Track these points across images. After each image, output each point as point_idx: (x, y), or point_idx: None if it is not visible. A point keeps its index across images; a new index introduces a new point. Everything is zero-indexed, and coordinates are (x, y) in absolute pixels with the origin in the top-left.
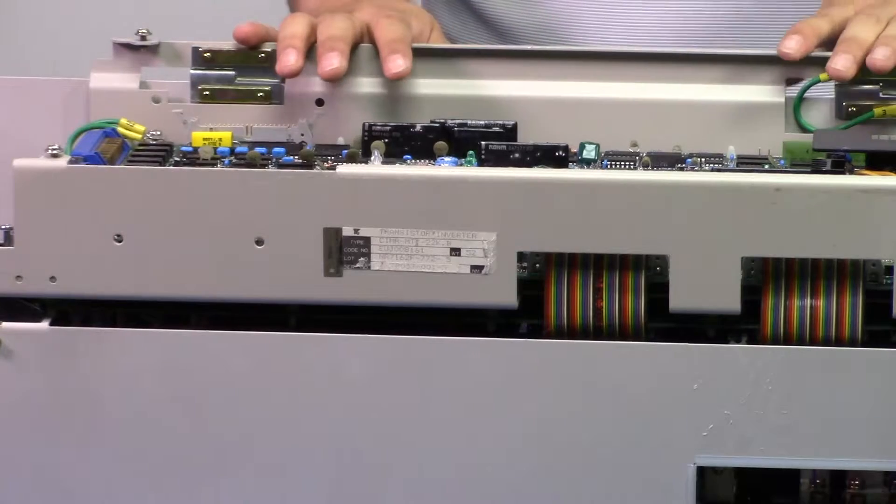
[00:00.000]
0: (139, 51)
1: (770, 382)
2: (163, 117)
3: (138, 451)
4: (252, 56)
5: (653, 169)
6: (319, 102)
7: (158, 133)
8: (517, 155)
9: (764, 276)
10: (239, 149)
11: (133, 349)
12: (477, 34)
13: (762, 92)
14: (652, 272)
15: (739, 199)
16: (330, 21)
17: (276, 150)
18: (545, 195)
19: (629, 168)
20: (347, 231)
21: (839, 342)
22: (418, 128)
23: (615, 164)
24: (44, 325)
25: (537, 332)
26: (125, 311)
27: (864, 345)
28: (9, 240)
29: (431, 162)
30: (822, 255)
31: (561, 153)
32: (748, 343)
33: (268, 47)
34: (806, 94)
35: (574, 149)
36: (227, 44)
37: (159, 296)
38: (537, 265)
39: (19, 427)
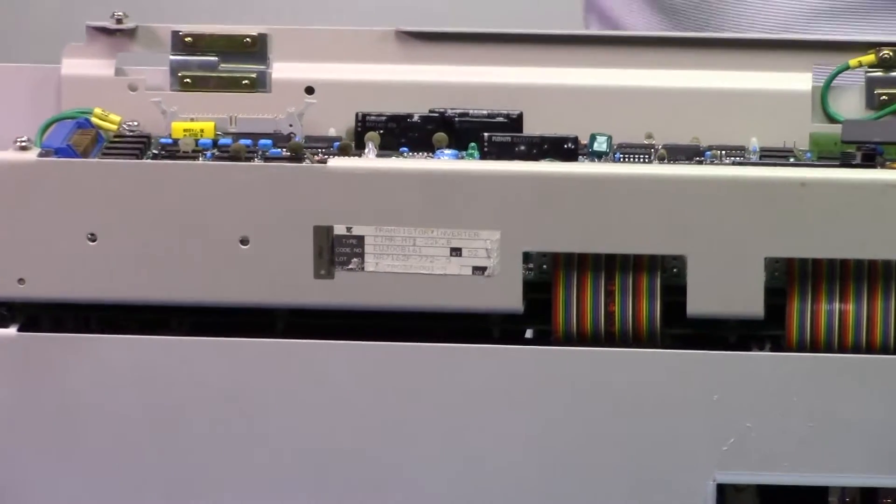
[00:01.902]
0: (114, 35)
1: (796, 393)
2: (140, 107)
3: (114, 466)
4: (237, 40)
5: (669, 162)
6: (309, 90)
7: (135, 124)
8: (523, 147)
9: (789, 277)
10: (222, 141)
11: (108, 357)
12: (639, 10)
13: (787, 79)
14: (668, 274)
15: (762, 194)
16: None
17: (263, 142)
18: (553, 191)
19: (643, 161)
20: (339, 229)
21: (870, 349)
22: (416, 118)
23: (628, 158)
24: (11, 330)
25: (544, 338)
26: (100, 316)
27: None
28: None
29: (430, 155)
30: (852, 255)
31: (570, 145)
32: (772, 350)
33: (253, 31)
34: (834, 82)
35: (584, 140)
36: (210, 27)
37: (136, 299)
38: (544, 266)
39: None
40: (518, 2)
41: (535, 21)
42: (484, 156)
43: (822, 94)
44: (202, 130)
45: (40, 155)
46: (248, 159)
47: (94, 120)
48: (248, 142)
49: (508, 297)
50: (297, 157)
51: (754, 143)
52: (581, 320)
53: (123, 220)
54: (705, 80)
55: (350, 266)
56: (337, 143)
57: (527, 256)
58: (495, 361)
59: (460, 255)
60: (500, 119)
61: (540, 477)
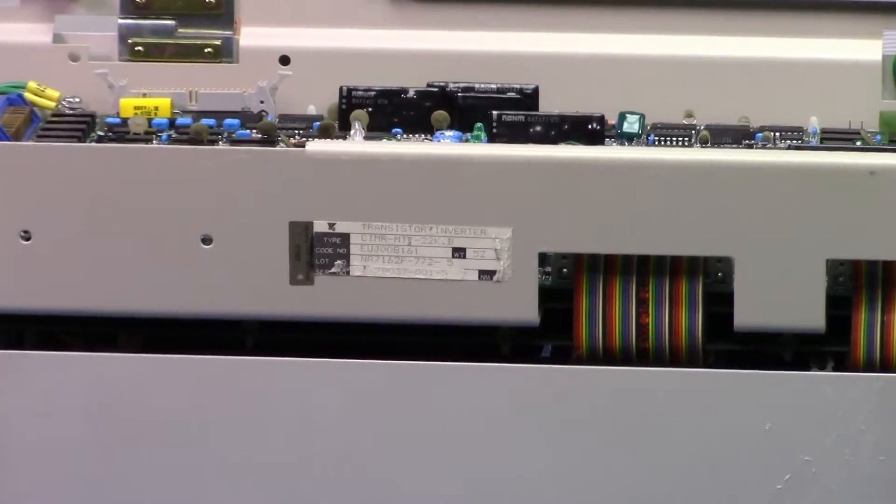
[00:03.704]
0: None
1: (863, 421)
2: (83, 80)
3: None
4: (197, 1)
5: (713, 146)
6: (284, 60)
7: (77, 100)
8: (539, 128)
9: (855, 283)
10: (180, 120)
11: (46, 376)
12: None
13: (853, 47)
14: (711, 279)
15: (824, 185)
16: None
17: (229, 121)
18: (574, 180)
19: (682, 145)
20: (320, 226)
21: None
22: (411, 93)
23: (664, 140)
24: None
25: (564, 355)
26: (36, 329)
27: None
28: None
29: (428, 137)
30: None
31: (595, 126)
32: (835, 370)
33: None
34: None
35: (612, 120)
36: None
37: (79, 309)
38: (564, 270)
39: None
40: None
41: None
42: (492, 138)
43: (894, 66)
44: (156, 108)
45: None
46: (212, 143)
47: (29, 95)
48: (212, 122)
49: (521, 306)
50: (269, 139)
51: (814, 124)
52: (608, 334)
53: (63, 216)
54: (756, 48)
55: (332, 269)
56: (317, 124)
57: (543, 258)
58: (506, 383)
59: (464, 257)
60: (512, 94)
61: None
